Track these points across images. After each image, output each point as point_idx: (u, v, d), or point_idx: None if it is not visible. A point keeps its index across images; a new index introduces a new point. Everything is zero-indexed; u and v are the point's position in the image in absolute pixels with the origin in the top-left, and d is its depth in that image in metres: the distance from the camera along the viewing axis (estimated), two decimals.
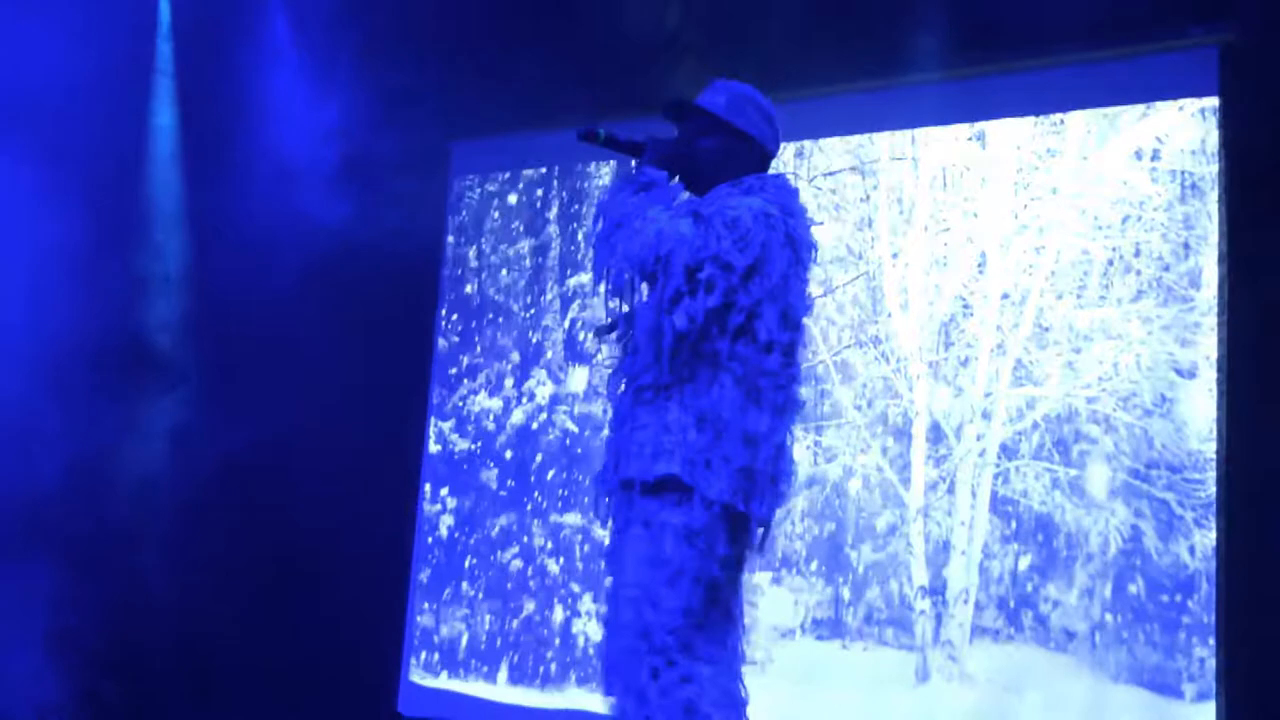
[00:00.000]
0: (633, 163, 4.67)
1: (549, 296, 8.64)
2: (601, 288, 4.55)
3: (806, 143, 7.89)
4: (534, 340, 8.62)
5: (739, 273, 4.34)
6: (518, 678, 8.19)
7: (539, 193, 8.82)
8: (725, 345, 4.36)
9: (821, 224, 4.82)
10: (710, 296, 4.33)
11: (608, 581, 4.53)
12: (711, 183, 4.62)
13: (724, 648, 4.46)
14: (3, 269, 7.48)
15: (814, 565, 7.46)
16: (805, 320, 4.54)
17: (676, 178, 4.64)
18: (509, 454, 8.55)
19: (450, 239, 9.06)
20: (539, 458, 8.43)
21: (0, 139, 7.30)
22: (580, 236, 8.59)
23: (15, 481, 7.50)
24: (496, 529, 8.50)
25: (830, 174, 7.80)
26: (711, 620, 4.42)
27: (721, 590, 4.45)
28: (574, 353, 8.48)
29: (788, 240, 4.45)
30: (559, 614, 8.16)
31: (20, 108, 7.37)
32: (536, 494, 8.40)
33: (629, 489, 4.43)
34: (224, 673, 8.38)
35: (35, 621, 7.82)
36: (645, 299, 4.45)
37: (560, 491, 8.34)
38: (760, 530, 4.49)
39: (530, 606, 8.26)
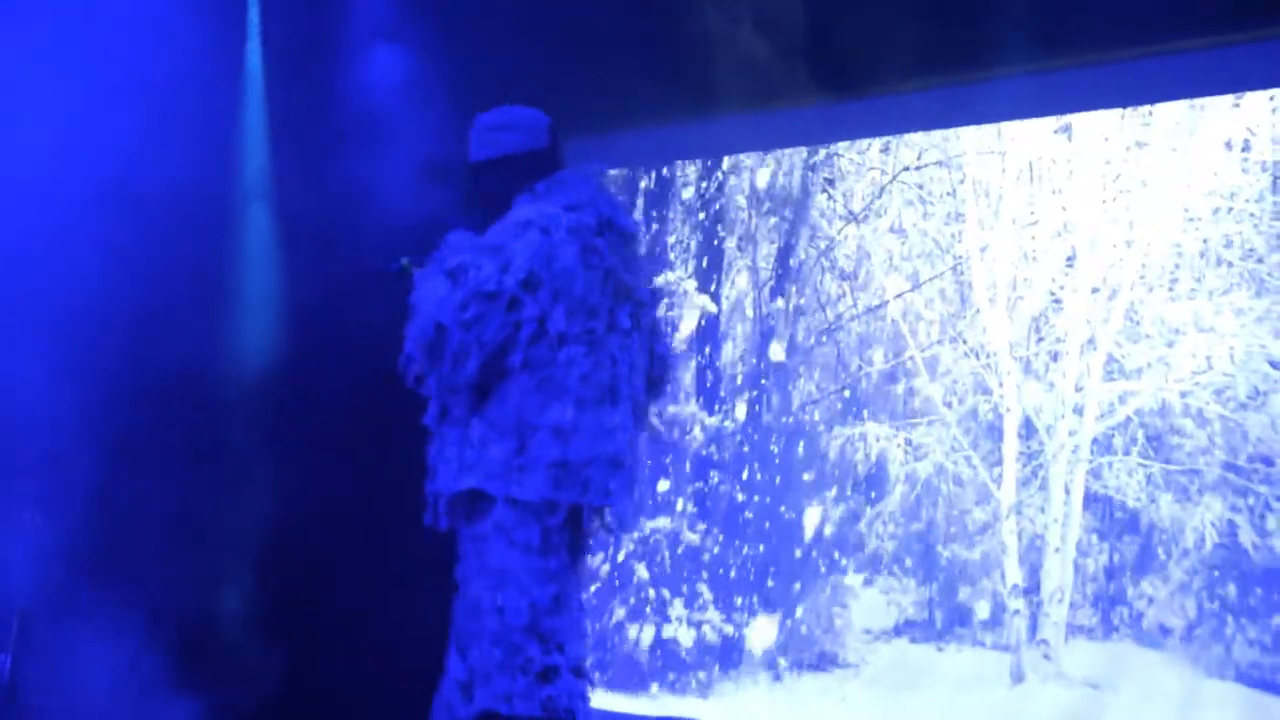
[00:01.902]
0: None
1: None
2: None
3: (892, 138, 7.85)
4: None
5: (509, 292, 4.50)
6: (609, 682, 8.20)
7: (625, 192, 8.80)
8: (520, 356, 4.54)
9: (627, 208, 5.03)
10: (485, 333, 4.51)
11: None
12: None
13: (570, 637, 4.63)
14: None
15: (906, 565, 7.42)
16: (619, 300, 4.70)
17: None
18: None
19: None
20: None
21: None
22: (667, 237, 8.58)
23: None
24: None
25: (917, 168, 7.76)
26: (559, 611, 4.59)
27: (560, 583, 4.61)
28: None
29: (571, 235, 4.60)
30: (650, 619, 8.16)
31: (102, 106, 7.39)
32: None
33: (435, 503, 4.66)
34: (300, 688, 8.37)
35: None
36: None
37: (653, 489, 8.35)
38: (598, 517, 4.66)
39: (620, 612, 8.26)
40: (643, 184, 8.77)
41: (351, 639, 7.61)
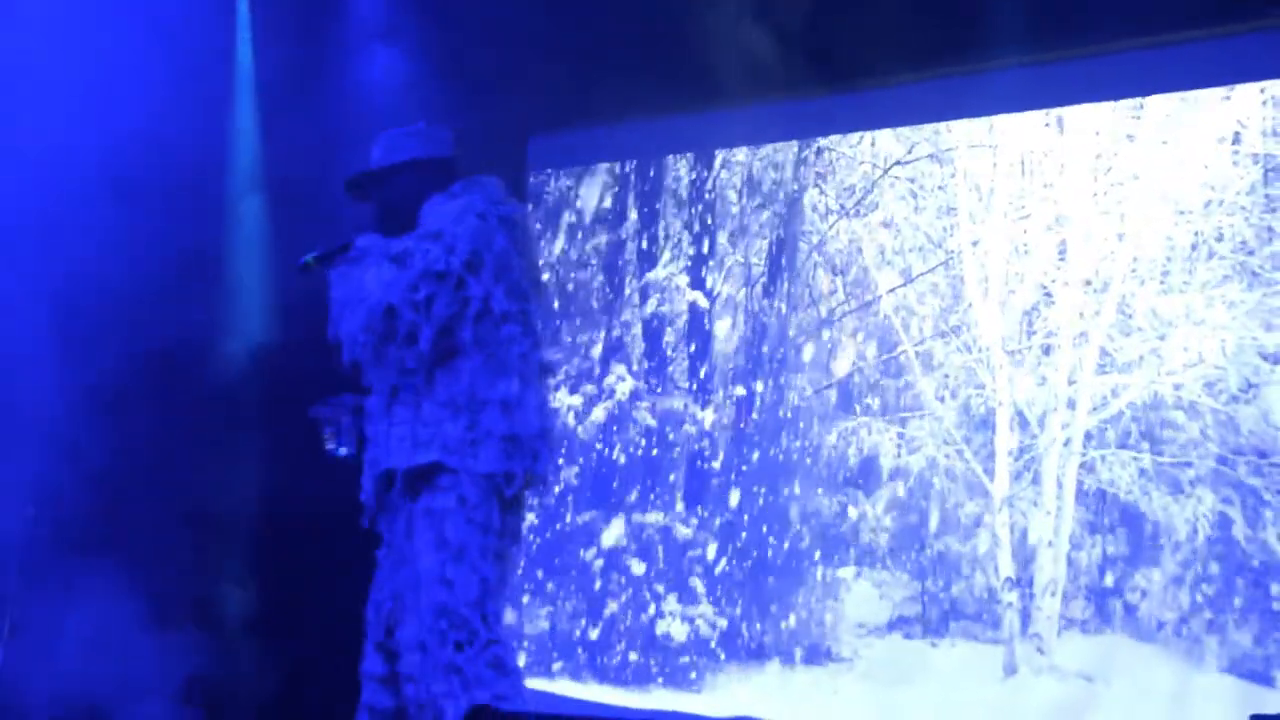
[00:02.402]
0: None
1: (628, 291, 8.64)
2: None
3: (883, 131, 7.85)
4: (614, 335, 8.62)
5: (456, 273, 4.75)
6: (602, 676, 8.20)
7: (616, 187, 8.81)
8: (469, 331, 4.78)
9: (528, 207, 5.17)
10: (435, 311, 4.76)
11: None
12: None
13: (501, 620, 4.85)
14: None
15: (899, 559, 7.43)
16: (534, 291, 4.96)
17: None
18: (596, 447, 8.55)
19: None
20: (619, 455, 8.43)
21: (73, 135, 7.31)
22: (659, 230, 8.58)
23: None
24: (575, 526, 8.50)
25: (907, 162, 7.77)
26: (500, 594, 4.84)
27: (509, 555, 4.88)
28: (654, 346, 8.47)
29: (501, 223, 4.87)
30: (643, 613, 8.16)
31: (97, 103, 7.38)
32: (619, 490, 8.41)
33: (392, 481, 4.83)
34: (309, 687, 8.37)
35: None
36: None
37: (646, 484, 8.34)
38: (538, 488, 4.98)
39: (613, 606, 8.26)
40: (633, 178, 8.77)
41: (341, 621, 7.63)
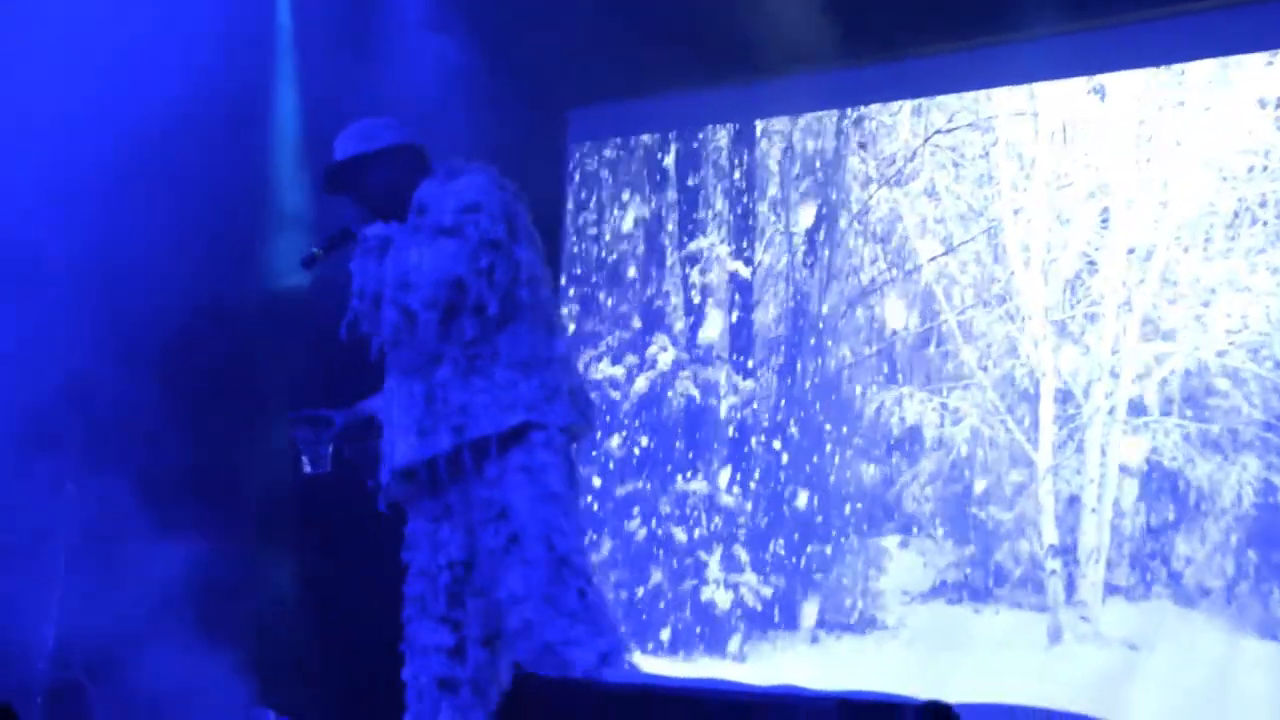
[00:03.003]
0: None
1: (669, 262, 8.66)
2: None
3: (923, 100, 7.84)
4: (656, 306, 8.63)
5: (506, 241, 4.98)
6: (646, 645, 8.23)
7: (658, 157, 8.81)
8: (524, 294, 5.01)
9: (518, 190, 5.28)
10: (498, 278, 4.95)
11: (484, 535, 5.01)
12: (410, 198, 5.17)
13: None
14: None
15: (942, 527, 7.44)
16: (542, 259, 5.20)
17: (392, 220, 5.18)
18: (639, 417, 8.57)
19: (569, 206, 9.07)
20: (662, 424, 8.45)
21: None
22: (700, 200, 8.59)
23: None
24: (618, 496, 8.52)
25: (948, 130, 7.76)
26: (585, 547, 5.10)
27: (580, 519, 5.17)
28: (697, 318, 8.49)
29: (516, 196, 5.14)
30: (686, 581, 8.19)
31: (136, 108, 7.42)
32: (662, 459, 8.43)
33: (483, 447, 4.94)
34: (349, 657, 8.41)
35: None
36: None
37: (688, 454, 8.37)
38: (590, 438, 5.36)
39: (657, 575, 8.29)
40: (675, 148, 8.77)
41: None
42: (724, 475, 8.18)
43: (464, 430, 4.96)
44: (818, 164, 8.20)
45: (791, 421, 8.00)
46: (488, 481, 4.97)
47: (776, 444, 8.02)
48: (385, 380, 5.25)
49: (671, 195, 8.71)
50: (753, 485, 8.07)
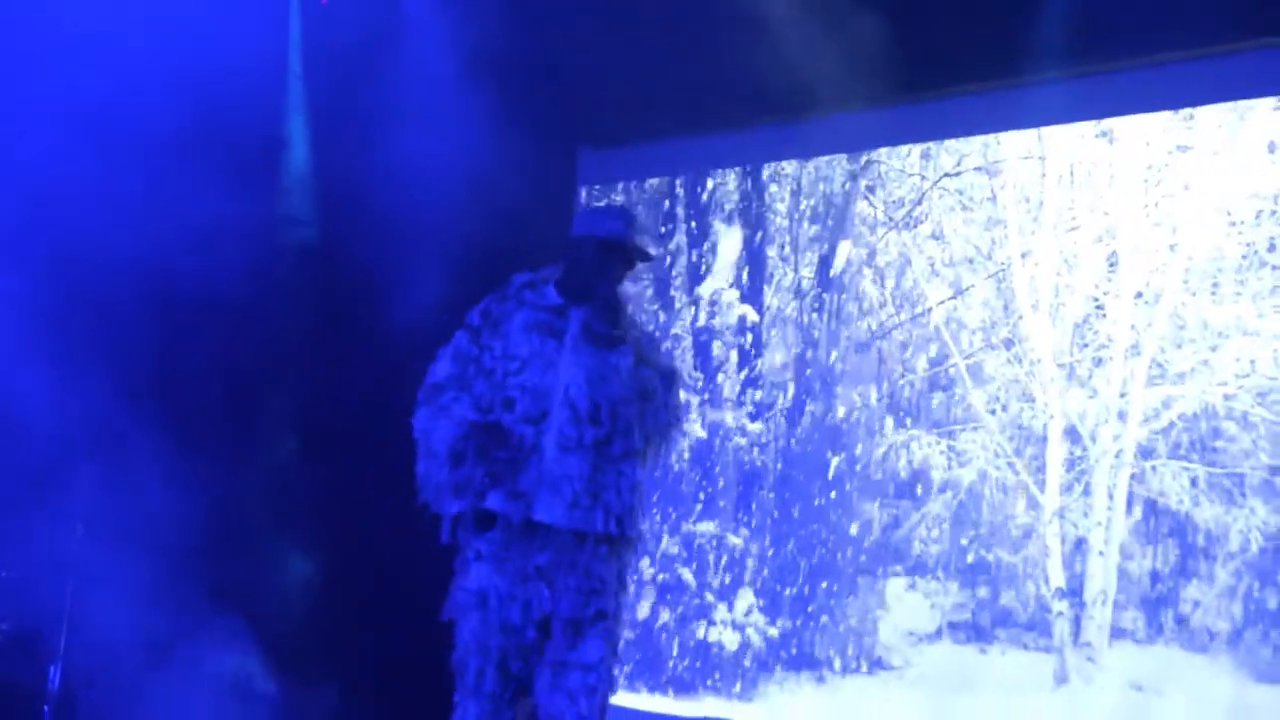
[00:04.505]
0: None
1: (678, 305, 8.68)
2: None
3: (932, 144, 7.87)
4: (664, 349, 8.63)
5: None
6: (653, 684, 8.22)
7: (665, 203, 8.84)
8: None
9: None
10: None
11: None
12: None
13: None
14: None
15: (949, 569, 7.43)
16: None
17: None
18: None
19: None
20: (671, 466, 8.45)
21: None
22: (707, 245, 8.61)
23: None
24: None
25: (956, 174, 7.78)
26: None
27: None
28: (705, 360, 8.50)
29: None
30: (694, 622, 8.18)
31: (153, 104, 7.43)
32: (670, 500, 8.43)
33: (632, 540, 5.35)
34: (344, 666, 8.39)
35: None
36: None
37: (697, 495, 8.37)
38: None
39: (665, 615, 8.29)
40: (682, 192, 8.80)
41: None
42: (731, 516, 8.19)
43: (622, 523, 5.22)
44: (826, 207, 8.23)
45: (799, 463, 8.00)
46: (600, 558, 5.23)
47: (784, 486, 8.03)
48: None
49: (680, 239, 8.74)
50: (760, 526, 8.07)
